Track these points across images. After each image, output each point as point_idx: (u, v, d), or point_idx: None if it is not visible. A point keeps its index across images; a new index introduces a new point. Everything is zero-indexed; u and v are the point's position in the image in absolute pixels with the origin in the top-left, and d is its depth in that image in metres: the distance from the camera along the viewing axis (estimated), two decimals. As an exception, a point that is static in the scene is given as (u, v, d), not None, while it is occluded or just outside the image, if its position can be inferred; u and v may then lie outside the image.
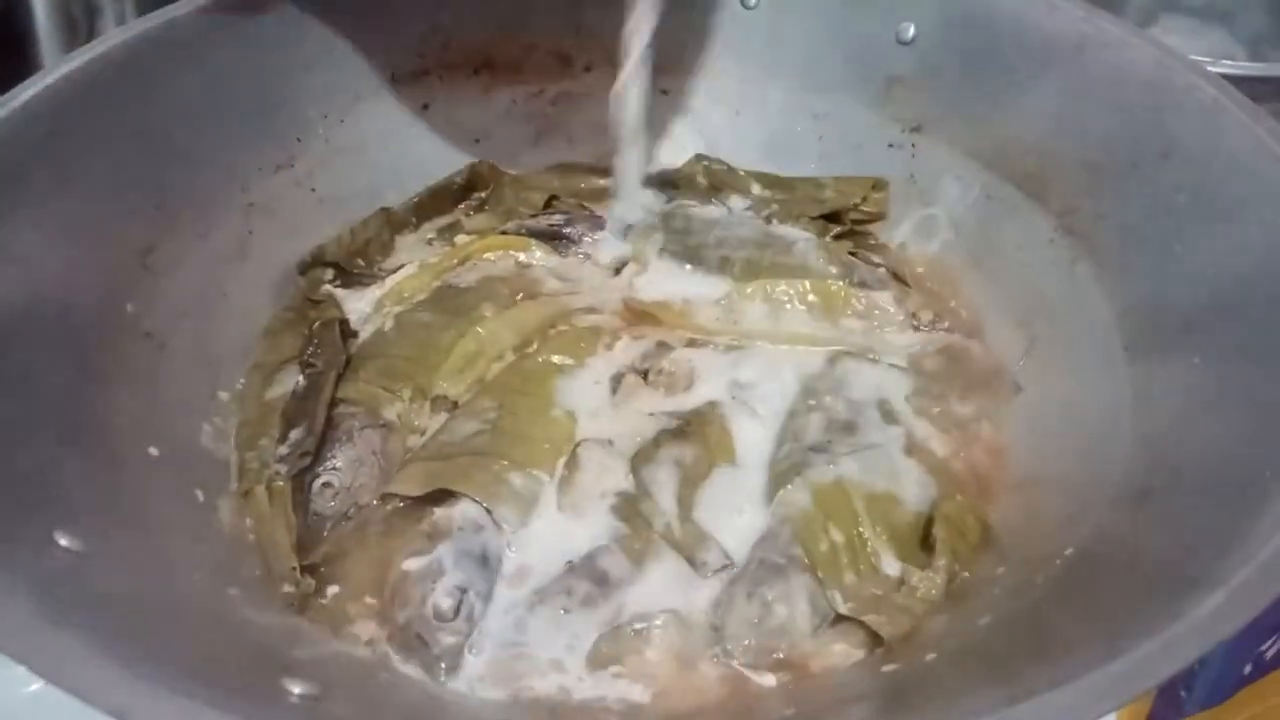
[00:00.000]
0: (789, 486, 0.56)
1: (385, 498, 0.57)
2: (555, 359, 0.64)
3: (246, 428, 0.61)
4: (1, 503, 0.41)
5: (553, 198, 0.79)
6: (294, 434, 0.59)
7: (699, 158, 0.81)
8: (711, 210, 0.77)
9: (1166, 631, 0.34)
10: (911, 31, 0.74)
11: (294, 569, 0.52)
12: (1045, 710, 0.32)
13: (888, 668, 0.47)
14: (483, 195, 0.80)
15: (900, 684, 0.46)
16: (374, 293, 0.70)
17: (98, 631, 0.35)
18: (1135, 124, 0.61)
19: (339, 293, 0.70)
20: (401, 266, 0.73)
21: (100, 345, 0.56)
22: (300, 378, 0.63)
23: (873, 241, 0.76)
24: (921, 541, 0.54)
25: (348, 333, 0.67)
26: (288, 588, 0.52)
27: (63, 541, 0.41)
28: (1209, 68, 0.61)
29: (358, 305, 0.69)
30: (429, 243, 0.77)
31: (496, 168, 0.81)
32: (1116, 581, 0.44)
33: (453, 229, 0.77)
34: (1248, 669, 0.79)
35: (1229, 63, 0.78)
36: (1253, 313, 0.50)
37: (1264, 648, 0.79)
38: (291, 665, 0.43)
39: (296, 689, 0.38)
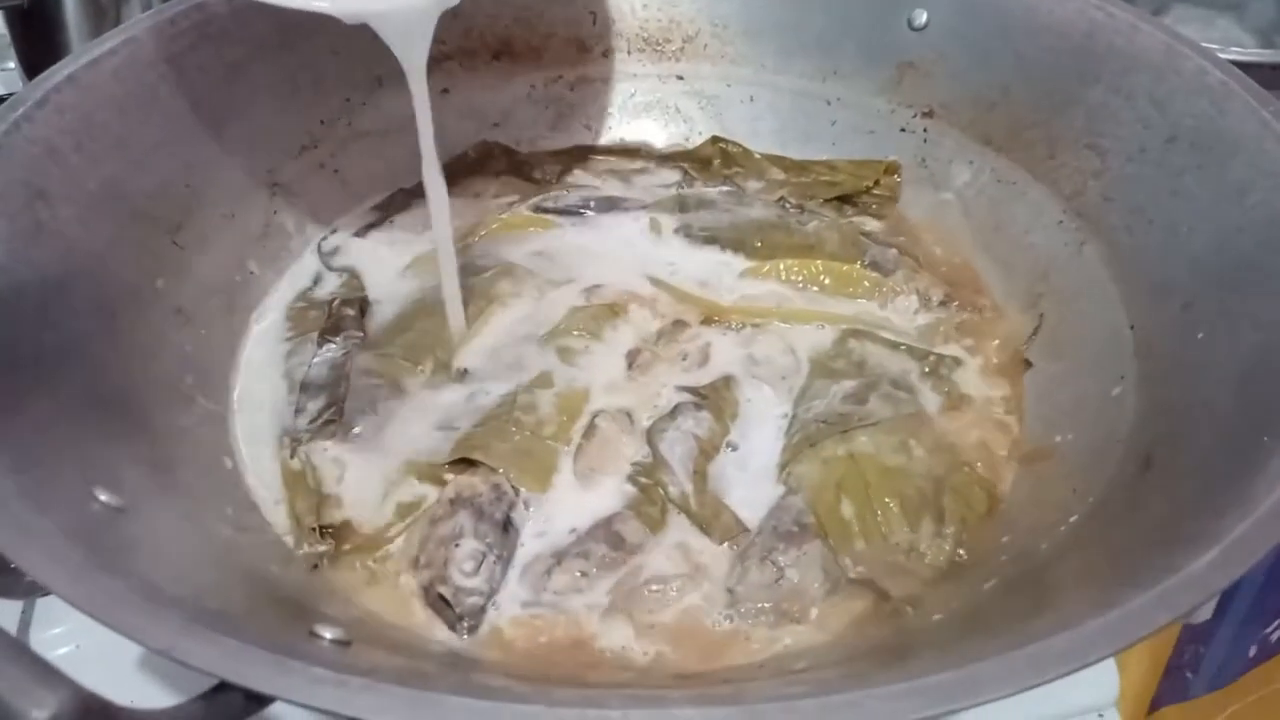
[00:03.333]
0: (802, 458, 0.58)
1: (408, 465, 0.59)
2: (573, 334, 0.65)
3: (272, 400, 0.63)
4: (44, 460, 0.43)
5: (565, 170, 0.81)
6: (311, 405, 0.61)
7: (715, 139, 0.82)
8: (726, 190, 0.78)
9: (1164, 583, 0.35)
10: (924, 18, 0.76)
11: (314, 530, 0.54)
12: (1044, 656, 0.33)
13: (895, 627, 0.49)
14: (500, 163, 0.82)
15: (906, 640, 0.47)
16: (394, 262, 0.72)
17: (138, 578, 0.37)
18: (1144, 108, 0.63)
19: (356, 259, 0.72)
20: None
21: (133, 319, 0.58)
22: (318, 351, 0.65)
23: (885, 223, 0.77)
24: (931, 512, 0.55)
25: (366, 309, 0.69)
26: (308, 547, 0.54)
27: (102, 497, 0.43)
28: (1218, 54, 0.62)
29: (378, 278, 0.71)
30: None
31: (508, 147, 0.83)
32: (1116, 543, 0.45)
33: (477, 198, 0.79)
34: (1253, 651, 0.80)
35: (1238, 49, 0.79)
36: (1253, 290, 0.51)
37: (1269, 630, 0.80)
38: (321, 617, 0.45)
39: (328, 634, 0.40)
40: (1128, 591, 0.35)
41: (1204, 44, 0.63)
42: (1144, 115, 0.63)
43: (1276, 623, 0.78)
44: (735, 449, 0.60)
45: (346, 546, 0.54)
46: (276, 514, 0.56)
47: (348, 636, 0.40)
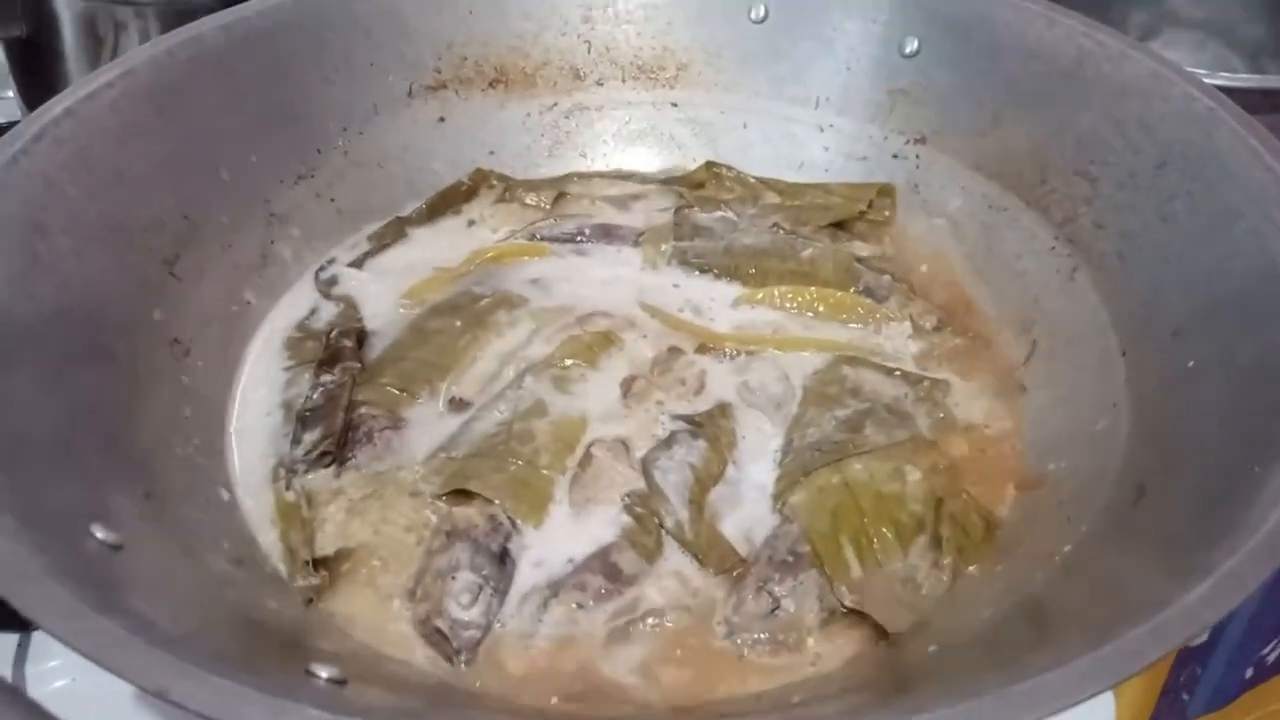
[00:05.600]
0: (797, 487, 0.58)
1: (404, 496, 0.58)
2: (568, 362, 0.65)
3: (269, 431, 0.63)
4: (41, 497, 0.43)
5: (561, 194, 0.81)
6: (308, 436, 0.61)
7: (709, 164, 0.83)
8: (721, 217, 0.78)
9: (1157, 617, 0.35)
10: (914, 45, 0.76)
11: (307, 563, 0.54)
12: (1038, 691, 0.33)
13: (891, 659, 0.49)
14: (496, 190, 0.82)
15: (903, 673, 0.47)
16: (391, 292, 0.73)
17: (134, 616, 0.37)
18: (1133, 135, 0.63)
19: (352, 289, 0.73)
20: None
21: (129, 351, 0.58)
22: (315, 381, 0.65)
23: (879, 249, 0.77)
24: (928, 540, 0.55)
25: (363, 339, 0.69)
26: (302, 581, 0.53)
27: (99, 534, 0.43)
28: (1206, 80, 0.62)
29: (375, 307, 0.71)
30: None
31: (503, 175, 0.83)
32: (1111, 575, 0.45)
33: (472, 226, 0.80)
34: (1249, 673, 0.80)
35: (1226, 75, 0.79)
36: (1242, 317, 0.52)
37: (1266, 652, 0.80)
38: (315, 654, 0.45)
39: (324, 673, 0.40)
40: (1122, 625, 0.35)
41: (1193, 69, 0.64)
42: (1133, 142, 0.63)
43: (1273, 644, 0.78)
44: (731, 476, 0.60)
45: (345, 567, 0.55)
46: (273, 546, 0.56)
47: (343, 675, 0.40)
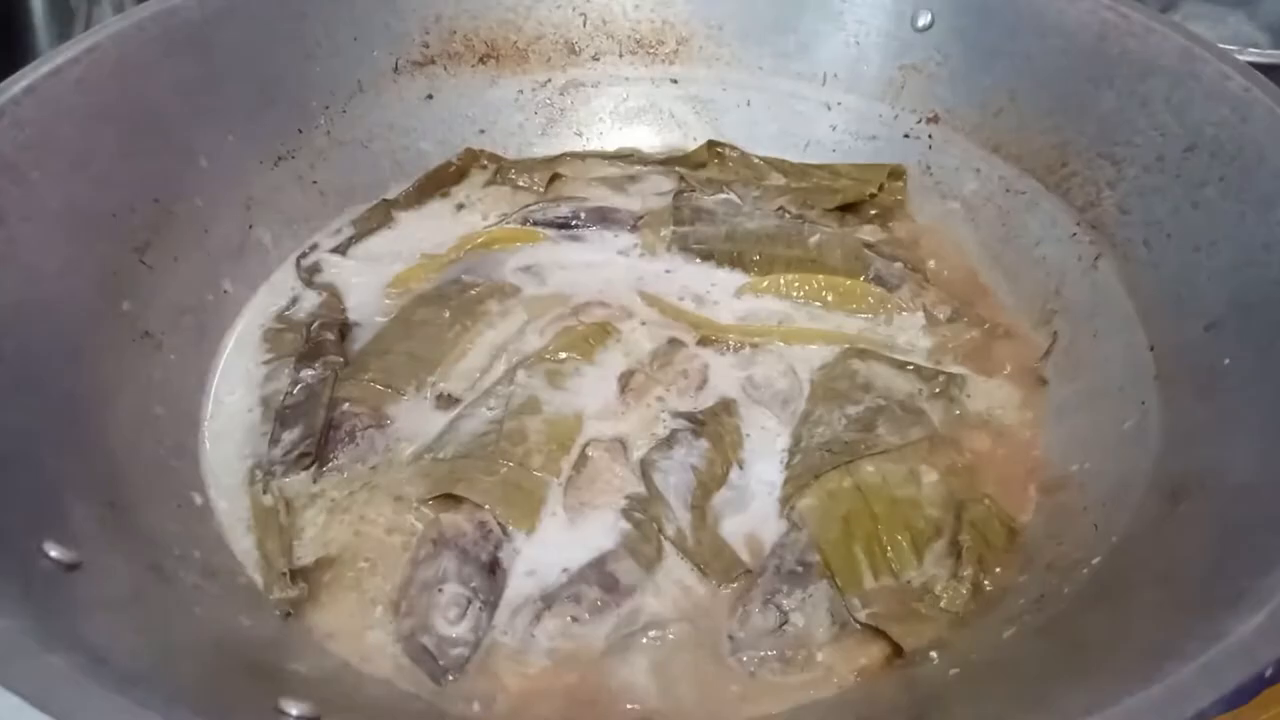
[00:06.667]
0: (805, 491, 0.55)
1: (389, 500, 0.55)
2: (562, 356, 0.62)
3: (246, 429, 0.59)
4: (-9, 513, 0.40)
5: (555, 176, 0.78)
6: (287, 435, 0.58)
7: (711, 144, 0.79)
8: (723, 200, 0.75)
9: (1208, 653, 0.32)
10: (927, 19, 0.73)
11: (284, 574, 0.51)
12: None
13: (909, 682, 0.46)
14: (487, 172, 0.79)
15: (922, 699, 0.44)
16: (376, 280, 0.69)
17: (88, 650, 0.34)
18: (1160, 115, 0.60)
19: (335, 277, 0.69)
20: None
21: (97, 345, 0.55)
22: (295, 377, 0.61)
23: (889, 234, 0.73)
24: (946, 548, 0.52)
25: (346, 331, 0.65)
26: (279, 593, 0.50)
27: (53, 553, 0.40)
28: (1237, 56, 0.59)
29: (359, 297, 0.68)
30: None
31: (494, 155, 0.80)
32: (1149, 595, 0.42)
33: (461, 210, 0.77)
34: (1269, 671, 0.78)
35: (1255, 51, 0.76)
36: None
37: (1285, 650, 0.77)
38: (289, 681, 0.42)
39: (294, 710, 0.36)
40: (1169, 661, 0.32)
41: (1219, 44, 0.60)
42: (1161, 122, 0.60)
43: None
44: (735, 479, 0.57)
45: (326, 577, 0.51)
46: (248, 554, 0.53)
47: (316, 711, 0.37)
